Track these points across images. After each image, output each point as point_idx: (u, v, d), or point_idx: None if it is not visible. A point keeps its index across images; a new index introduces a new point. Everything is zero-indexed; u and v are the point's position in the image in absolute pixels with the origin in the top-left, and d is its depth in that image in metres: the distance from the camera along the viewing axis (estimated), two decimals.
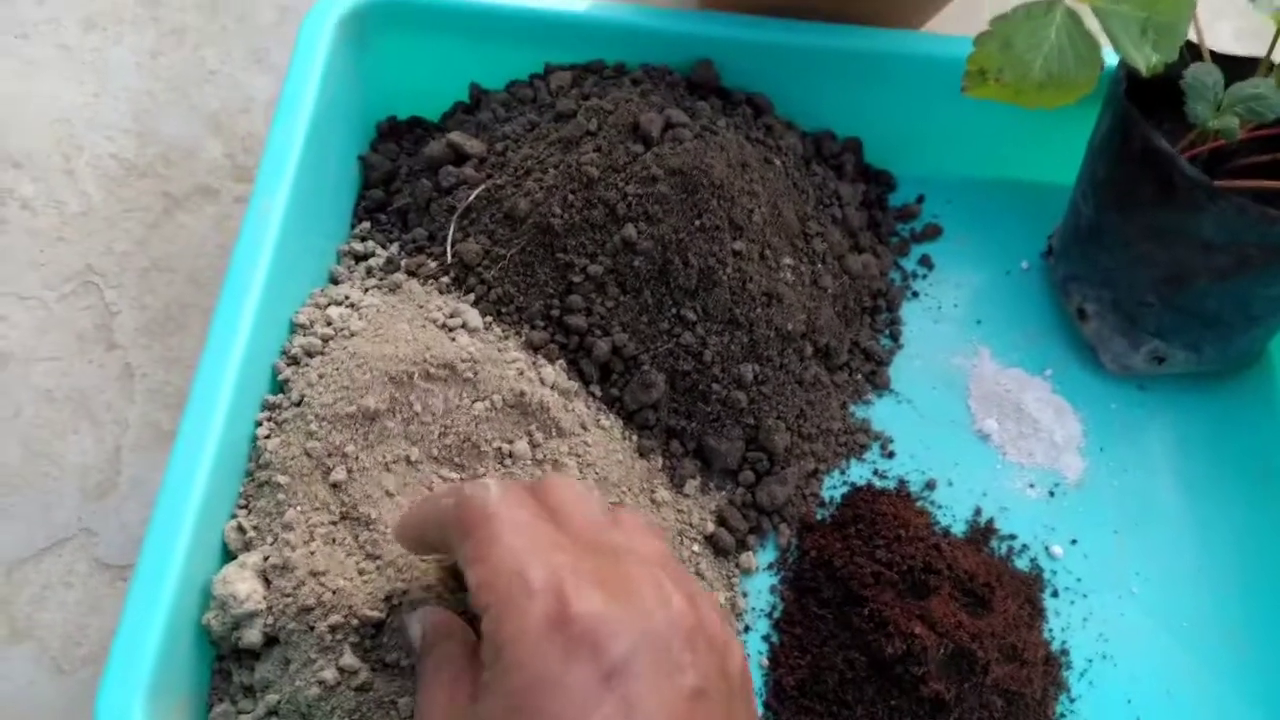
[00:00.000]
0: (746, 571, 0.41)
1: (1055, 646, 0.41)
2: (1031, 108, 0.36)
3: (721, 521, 0.41)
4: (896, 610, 0.38)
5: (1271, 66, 0.41)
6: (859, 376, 0.45)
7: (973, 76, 0.35)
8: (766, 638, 0.40)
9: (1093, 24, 0.37)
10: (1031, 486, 0.44)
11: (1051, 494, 0.44)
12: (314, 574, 0.34)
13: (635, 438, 0.41)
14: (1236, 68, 0.41)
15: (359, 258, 0.44)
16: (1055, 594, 0.42)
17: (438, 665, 0.29)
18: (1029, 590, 0.41)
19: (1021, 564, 0.42)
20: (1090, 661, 0.41)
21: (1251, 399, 0.48)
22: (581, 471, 0.39)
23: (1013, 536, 0.43)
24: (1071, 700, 0.40)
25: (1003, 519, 0.43)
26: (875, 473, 0.44)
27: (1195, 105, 0.39)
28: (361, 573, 0.35)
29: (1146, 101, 0.41)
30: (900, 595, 0.39)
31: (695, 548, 0.40)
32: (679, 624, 0.26)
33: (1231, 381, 0.48)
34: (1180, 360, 0.45)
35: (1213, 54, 0.41)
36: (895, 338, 0.47)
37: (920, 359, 0.47)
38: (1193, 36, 0.40)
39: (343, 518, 0.36)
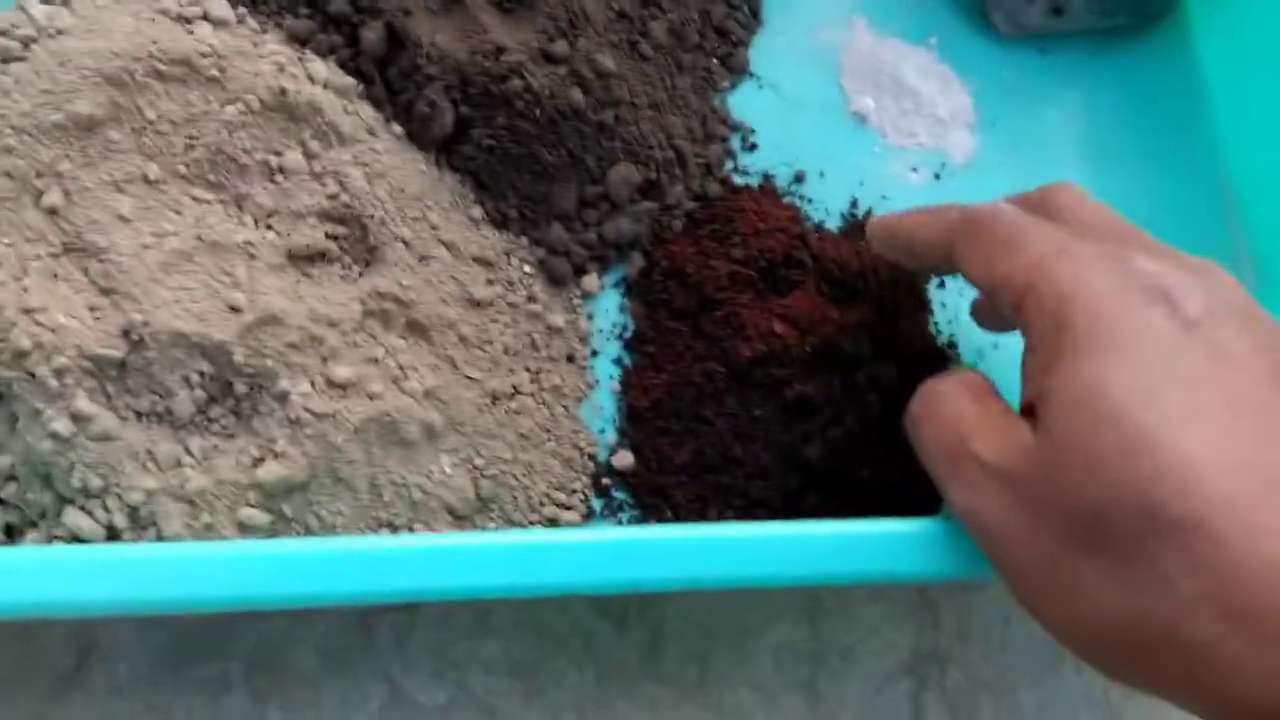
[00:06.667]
0: (589, 294, 0.35)
1: (943, 340, 0.36)
2: None
3: (553, 250, 0.35)
4: (755, 310, 0.33)
5: None
6: (712, 60, 0.38)
7: None
8: (617, 360, 0.35)
9: None
10: (914, 170, 0.39)
11: (937, 176, 0.39)
12: (27, 312, 0.28)
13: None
14: None
15: None
16: (942, 285, 0.37)
17: (950, 388, 0.28)
18: (910, 279, 0.36)
19: None
20: (981, 352, 0.37)
21: (1163, 57, 0.42)
22: (371, 183, 0.32)
23: None
24: None
25: (883, 208, 0.38)
26: (735, 168, 0.38)
27: None
28: (93, 309, 0.29)
29: None
30: (759, 294, 0.34)
31: (526, 269, 0.35)
32: (1240, 289, 0.25)
33: (1141, 39, 0.42)
34: (1080, 10, 0.39)
35: None
36: (754, 12, 0.40)
37: (784, 35, 0.40)
38: None
39: (66, 250, 0.29)
